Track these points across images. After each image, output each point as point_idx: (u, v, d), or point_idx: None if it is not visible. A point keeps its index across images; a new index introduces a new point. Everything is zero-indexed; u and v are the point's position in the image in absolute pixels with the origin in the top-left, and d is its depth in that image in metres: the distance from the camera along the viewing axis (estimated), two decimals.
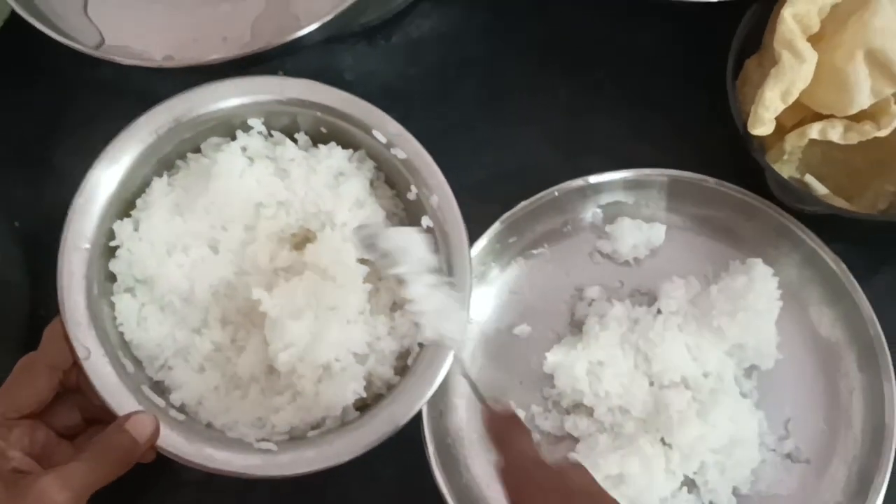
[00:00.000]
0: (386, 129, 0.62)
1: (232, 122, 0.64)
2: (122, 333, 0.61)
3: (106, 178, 0.60)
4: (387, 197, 0.65)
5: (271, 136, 0.65)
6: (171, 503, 0.66)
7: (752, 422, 0.63)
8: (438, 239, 0.61)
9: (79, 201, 0.59)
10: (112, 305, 0.62)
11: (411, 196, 0.63)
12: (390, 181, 0.65)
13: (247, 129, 0.64)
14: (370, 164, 0.65)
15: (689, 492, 0.63)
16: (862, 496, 0.62)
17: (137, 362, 0.62)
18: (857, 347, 0.65)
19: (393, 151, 0.62)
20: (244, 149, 0.64)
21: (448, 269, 0.60)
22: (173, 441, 0.57)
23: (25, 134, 0.74)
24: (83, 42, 0.66)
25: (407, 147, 0.62)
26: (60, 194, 0.61)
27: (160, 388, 0.62)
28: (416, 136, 0.65)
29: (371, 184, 0.65)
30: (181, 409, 0.61)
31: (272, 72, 0.66)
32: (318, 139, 0.65)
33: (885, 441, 0.62)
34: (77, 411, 0.59)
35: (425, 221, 0.62)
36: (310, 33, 0.63)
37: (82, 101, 0.74)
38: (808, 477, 0.64)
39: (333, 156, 0.64)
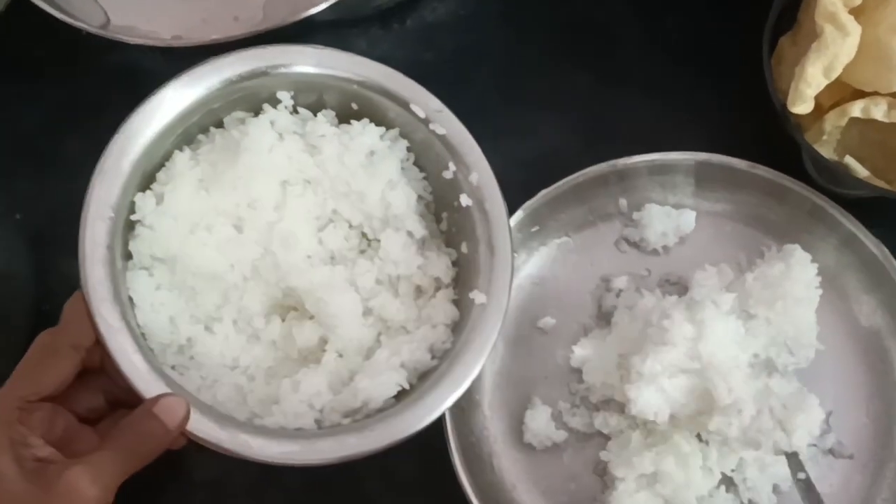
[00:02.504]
0: (427, 104, 0.59)
1: (259, 96, 0.58)
2: (134, 315, 0.56)
3: (132, 142, 0.54)
4: (416, 179, 0.61)
5: (296, 111, 0.60)
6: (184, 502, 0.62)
7: None
8: (475, 217, 0.57)
9: (102, 166, 0.53)
10: (128, 282, 0.56)
11: (448, 175, 0.59)
12: (420, 163, 0.61)
13: (275, 102, 0.59)
14: (403, 143, 0.61)
15: (728, 490, 0.58)
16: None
17: (149, 350, 0.56)
18: None
19: (432, 127, 0.58)
20: (272, 123, 0.59)
21: (489, 247, 0.57)
22: (205, 427, 0.52)
23: (29, 126, 0.71)
24: (89, 22, 0.61)
25: (447, 123, 0.58)
26: (64, 187, 0.58)
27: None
28: None
29: (402, 165, 0.61)
30: (196, 398, 0.55)
31: None
32: (345, 118, 0.60)
33: None
34: (100, 394, 0.54)
35: (464, 200, 0.58)
36: (323, 11, 0.59)
37: (87, 93, 0.70)
38: (852, 473, 0.59)
39: (367, 133, 0.59)
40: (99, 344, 0.52)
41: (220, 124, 0.60)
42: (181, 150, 0.58)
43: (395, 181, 0.59)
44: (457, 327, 0.57)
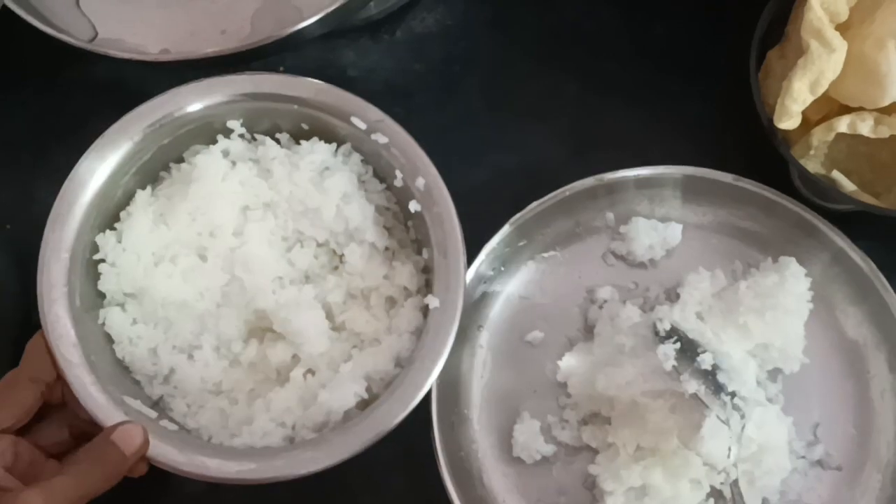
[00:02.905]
0: (365, 115, 0.59)
1: (213, 127, 0.60)
2: (113, 351, 0.58)
3: (83, 187, 0.57)
4: (377, 191, 0.61)
5: (254, 139, 0.61)
6: None
7: (781, 428, 0.58)
8: (428, 222, 0.57)
9: (56, 211, 0.56)
10: (101, 319, 0.58)
11: (398, 183, 0.59)
12: (380, 175, 0.61)
13: (227, 132, 0.60)
14: (357, 157, 0.61)
15: (717, 503, 0.58)
16: None
17: (135, 381, 0.58)
18: (887, 348, 0.60)
19: (374, 137, 0.58)
20: (226, 152, 0.60)
21: (441, 251, 0.57)
22: (164, 451, 0.54)
23: (16, 135, 0.70)
24: (76, 36, 0.61)
25: (388, 132, 0.58)
26: (53, 197, 0.58)
27: (161, 406, 0.58)
28: (421, 134, 0.61)
29: (359, 179, 0.61)
30: (183, 424, 0.58)
31: (272, 68, 0.63)
32: (301, 137, 0.61)
33: None
34: (64, 428, 0.55)
35: (413, 206, 0.58)
36: (311, 26, 0.59)
37: (75, 102, 0.70)
38: (840, 485, 0.59)
39: (316, 151, 0.60)
40: (60, 380, 0.54)
41: (180, 160, 0.61)
42: (143, 188, 0.60)
43: (350, 195, 0.60)
44: (419, 334, 0.58)
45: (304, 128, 0.60)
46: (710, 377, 0.56)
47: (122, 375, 0.58)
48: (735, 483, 0.56)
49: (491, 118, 0.69)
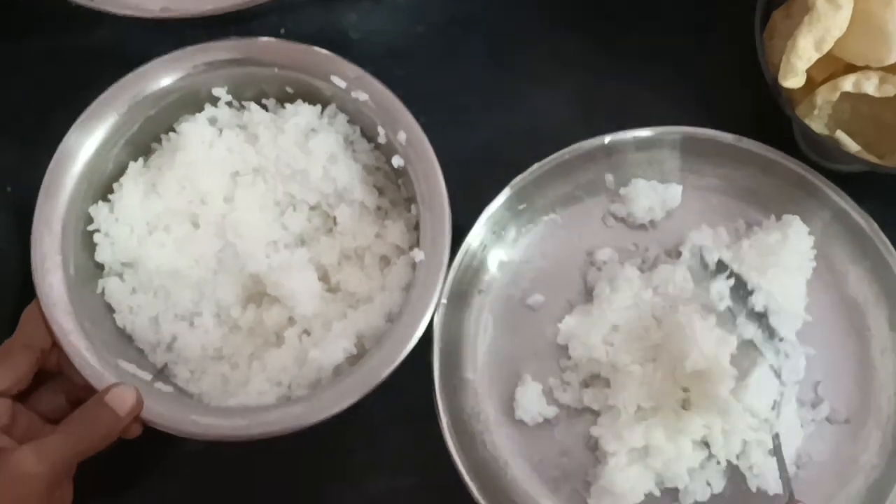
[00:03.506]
0: (344, 73, 0.58)
1: (200, 96, 0.60)
2: (114, 320, 0.58)
3: (71, 159, 0.57)
4: (365, 151, 0.61)
5: (243, 106, 0.61)
6: (173, 474, 0.62)
7: (790, 397, 0.57)
8: (412, 176, 0.57)
9: (46, 184, 0.57)
10: (101, 289, 0.59)
11: (382, 140, 0.59)
12: (367, 134, 0.60)
13: (214, 101, 0.60)
14: (342, 117, 0.60)
15: (719, 462, 0.58)
16: None
17: (139, 350, 0.59)
18: (887, 305, 0.60)
19: (354, 95, 0.58)
20: (213, 120, 0.60)
21: (427, 205, 0.57)
22: (157, 411, 0.55)
23: (17, 99, 0.69)
24: None
25: (368, 88, 0.58)
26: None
27: (165, 373, 0.59)
28: (423, 96, 0.60)
29: (347, 139, 0.60)
30: (186, 390, 0.58)
31: (274, 31, 0.61)
32: (287, 101, 0.60)
33: None
34: (61, 394, 0.56)
35: (396, 161, 0.58)
36: None
37: (76, 66, 0.69)
38: (842, 441, 0.59)
39: (301, 113, 0.59)
40: (56, 347, 0.55)
41: (171, 130, 0.61)
42: (135, 160, 0.60)
43: (336, 155, 0.59)
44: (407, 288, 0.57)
45: (289, 91, 0.60)
46: (763, 320, 0.54)
47: (124, 344, 0.58)
48: (776, 436, 0.54)
49: (493, 81, 0.67)
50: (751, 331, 0.54)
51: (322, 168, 0.58)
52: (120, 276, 0.59)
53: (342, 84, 0.58)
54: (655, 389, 0.57)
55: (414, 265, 0.57)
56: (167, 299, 0.58)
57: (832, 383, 0.60)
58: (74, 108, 0.59)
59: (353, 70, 0.58)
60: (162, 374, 0.59)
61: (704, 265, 0.56)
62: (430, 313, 0.55)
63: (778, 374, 0.53)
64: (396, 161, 0.58)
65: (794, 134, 0.59)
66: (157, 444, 0.56)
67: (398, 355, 0.54)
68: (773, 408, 0.53)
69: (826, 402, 0.59)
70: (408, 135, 0.57)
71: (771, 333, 0.54)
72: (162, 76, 0.58)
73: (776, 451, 0.54)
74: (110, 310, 0.59)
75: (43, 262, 0.56)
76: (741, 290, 0.55)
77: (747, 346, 0.54)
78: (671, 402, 0.57)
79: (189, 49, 0.59)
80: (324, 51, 0.58)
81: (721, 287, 0.55)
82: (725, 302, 0.54)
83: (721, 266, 0.56)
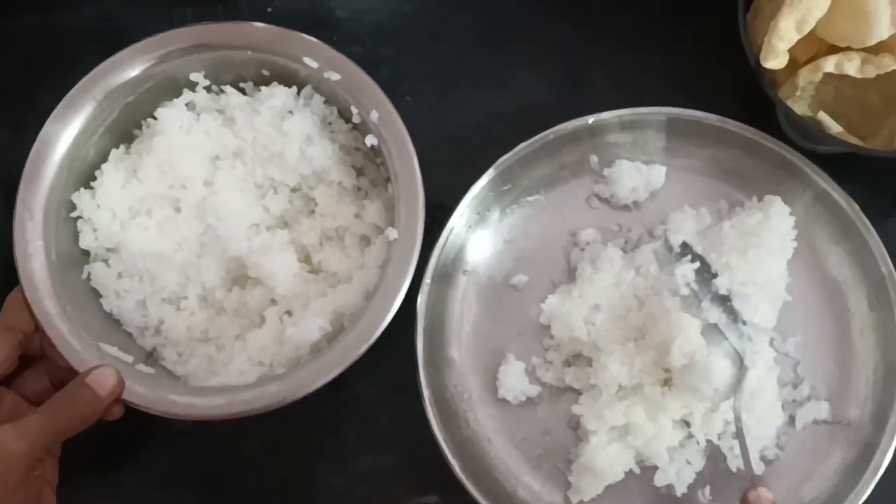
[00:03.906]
0: (317, 54, 0.58)
1: (178, 82, 0.60)
2: (101, 305, 0.59)
3: (50, 149, 0.58)
4: (343, 131, 0.61)
5: (222, 91, 0.61)
6: (163, 453, 0.62)
7: (771, 376, 0.58)
8: (385, 154, 0.57)
9: (26, 173, 0.57)
10: (87, 274, 0.59)
11: (356, 119, 0.59)
12: (345, 115, 0.60)
13: (192, 86, 0.60)
14: (318, 98, 0.60)
15: (698, 442, 0.58)
16: (877, 436, 0.57)
17: (127, 334, 0.59)
18: (867, 285, 0.60)
19: (326, 75, 0.58)
20: (191, 105, 0.60)
21: (401, 182, 0.56)
22: (137, 392, 0.55)
23: (6, 75, 0.69)
24: None
25: (341, 68, 0.58)
26: None
27: (155, 357, 0.59)
28: (410, 76, 0.61)
29: (325, 120, 0.60)
30: (174, 372, 0.59)
31: (262, 9, 0.61)
32: (263, 84, 0.61)
33: None
34: (45, 377, 0.57)
35: (369, 140, 0.58)
36: None
37: (65, 42, 0.68)
38: (820, 421, 0.59)
39: (276, 95, 0.59)
40: (39, 331, 0.55)
41: (152, 117, 0.61)
42: (117, 147, 0.61)
43: (312, 136, 0.59)
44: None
45: (266, 74, 0.60)
46: (727, 304, 0.54)
47: (112, 329, 0.59)
48: (738, 419, 0.55)
49: (481, 61, 0.67)
50: (715, 314, 0.54)
51: (298, 149, 0.58)
52: (105, 261, 0.59)
53: (314, 64, 0.58)
54: (636, 369, 0.57)
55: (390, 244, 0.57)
56: (153, 283, 0.59)
57: (812, 363, 0.60)
58: (62, 84, 0.59)
59: (326, 51, 0.58)
60: (151, 357, 0.59)
61: (669, 247, 0.56)
62: (404, 290, 0.55)
63: (741, 357, 0.53)
64: (370, 140, 0.58)
65: (777, 116, 0.59)
66: (146, 424, 0.56)
67: (373, 333, 0.54)
68: (733, 391, 0.53)
69: (806, 381, 0.60)
70: (380, 113, 0.57)
71: (735, 317, 0.54)
72: (136, 64, 0.59)
73: (738, 435, 0.54)
74: (97, 295, 0.59)
75: (25, 248, 0.56)
76: (705, 274, 0.55)
77: (711, 329, 0.53)
78: (652, 381, 0.57)
79: (162, 35, 0.59)
80: (296, 33, 0.58)
81: (685, 270, 0.55)
82: (691, 285, 0.54)
83: (685, 249, 0.56)
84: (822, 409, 0.59)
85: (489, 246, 0.63)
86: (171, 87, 0.60)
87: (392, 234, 0.56)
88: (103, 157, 0.60)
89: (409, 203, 0.56)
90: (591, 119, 0.61)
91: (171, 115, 0.59)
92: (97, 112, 0.58)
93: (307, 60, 0.58)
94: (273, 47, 0.58)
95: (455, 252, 0.61)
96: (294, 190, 0.61)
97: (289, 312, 0.58)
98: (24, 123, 0.66)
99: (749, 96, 0.59)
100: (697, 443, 0.58)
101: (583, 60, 0.66)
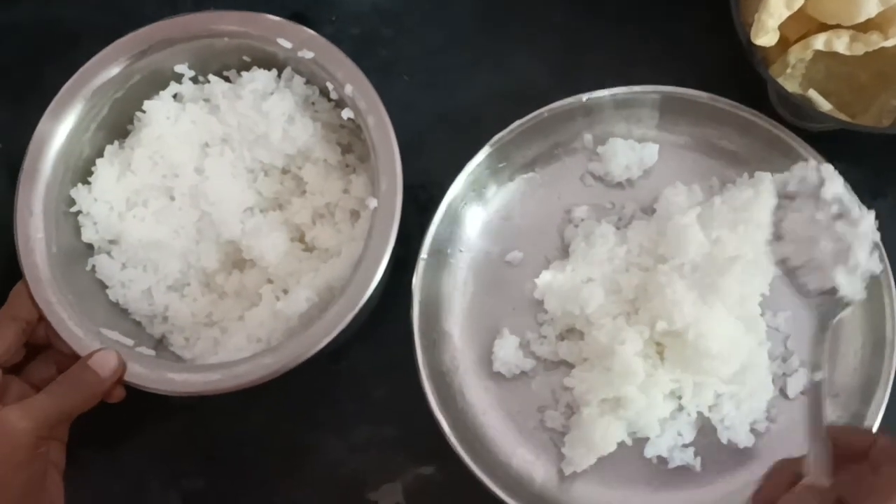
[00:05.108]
0: (289, 35, 0.58)
1: (164, 75, 0.60)
2: (107, 296, 0.60)
3: (46, 146, 0.59)
4: (326, 110, 0.61)
5: (207, 80, 0.61)
6: (164, 428, 0.63)
7: (762, 351, 0.58)
8: (362, 126, 0.57)
9: (24, 171, 0.58)
10: (91, 266, 0.60)
11: (334, 95, 0.59)
12: (327, 94, 0.60)
13: (178, 77, 0.61)
14: (299, 79, 0.60)
15: (689, 414, 0.58)
16: (864, 409, 0.57)
17: (136, 323, 0.60)
18: None
19: (300, 54, 0.58)
20: (179, 96, 0.61)
21: (378, 153, 0.56)
22: (137, 372, 0.56)
23: (9, 54, 0.69)
24: None
25: (315, 46, 0.58)
26: None
27: (164, 343, 0.60)
28: (408, 55, 0.61)
29: (308, 100, 0.61)
30: (182, 356, 0.60)
31: None
32: (245, 70, 0.61)
33: (885, 354, 0.57)
34: (52, 365, 0.58)
35: (345, 114, 0.58)
36: None
37: (67, 22, 0.69)
38: (810, 393, 0.57)
39: (257, 79, 0.60)
40: (43, 320, 0.56)
41: (142, 110, 0.61)
42: (111, 142, 0.61)
43: (293, 116, 0.59)
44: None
45: (247, 60, 0.60)
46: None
47: (119, 318, 0.60)
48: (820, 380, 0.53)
49: (479, 40, 0.67)
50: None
51: (281, 129, 0.59)
52: (108, 253, 0.60)
53: (288, 45, 0.58)
54: (628, 341, 0.57)
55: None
56: (156, 272, 0.60)
57: (802, 337, 0.60)
58: (66, 64, 0.59)
59: (300, 31, 0.58)
60: (161, 344, 0.60)
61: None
62: (387, 256, 0.55)
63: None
64: (346, 114, 0.57)
65: (768, 94, 0.59)
66: (147, 399, 0.57)
67: (357, 303, 0.54)
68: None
69: (796, 355, 0.60)
70: (354, 87, 0.57)
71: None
72: (120, 60, 0.59)
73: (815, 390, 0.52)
74: (103, 286, 0.60)
75: (27, 243, 0.57)
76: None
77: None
78: (644, 354, 0.57)
79: (143, 30, 0.59)
80: (269, 16, 0.58)
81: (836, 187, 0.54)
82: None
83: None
84: (811, 383, 0.59)
85: (484, 222, 0.63)
86: (158, 81, 0.60)
87: (371, 202, 0.56)
88: (99, 153, 0.61)
89: (388, 172, 0.56)
90: (585, 97, 0.61)
91: (158, 107, 0.60)
92: (87, 109, 0.59)
93: (281, 41, 0.58)
94: (247, 32, 0.59)
95: (451, 228, 0.61)
96: (284, 171, 0.61)
97: (285, 291, 0.59)
98: (26, 103, 0.65)
99: (741, 75, 0.58)
100: (688, 414, 0.58)
101: (577, 40, 0.66)
